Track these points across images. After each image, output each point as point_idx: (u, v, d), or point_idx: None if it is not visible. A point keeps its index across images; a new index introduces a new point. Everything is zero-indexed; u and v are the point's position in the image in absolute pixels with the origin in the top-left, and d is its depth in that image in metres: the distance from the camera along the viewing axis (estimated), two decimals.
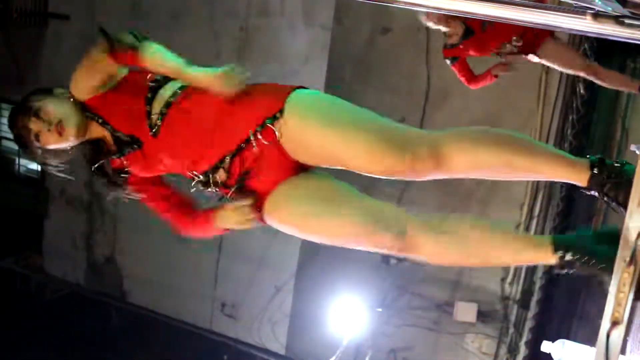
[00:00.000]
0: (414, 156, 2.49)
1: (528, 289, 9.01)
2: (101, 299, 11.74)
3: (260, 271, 10.39)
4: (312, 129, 2.58)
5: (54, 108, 2.79)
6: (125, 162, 2.86)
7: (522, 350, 9.12)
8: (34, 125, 2.78)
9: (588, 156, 2.50)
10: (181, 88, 2.79)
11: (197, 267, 10.90)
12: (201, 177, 2.75)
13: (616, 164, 2.44)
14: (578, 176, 2.46)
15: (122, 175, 2.89)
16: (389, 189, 8.66)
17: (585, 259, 2.41)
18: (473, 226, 2.61)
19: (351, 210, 2.62)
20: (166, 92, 2.78)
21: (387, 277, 9.48)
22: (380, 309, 9.52)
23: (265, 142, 2.60)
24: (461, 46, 5.70)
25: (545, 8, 1.88)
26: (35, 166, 12.67)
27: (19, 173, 12.96)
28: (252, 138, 2.61)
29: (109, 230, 11.86)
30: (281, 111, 2.59)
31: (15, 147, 12.44)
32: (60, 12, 11.36)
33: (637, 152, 2.32)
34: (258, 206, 2.71)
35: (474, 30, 5.66)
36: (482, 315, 9.36)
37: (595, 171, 2.43)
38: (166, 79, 2.81)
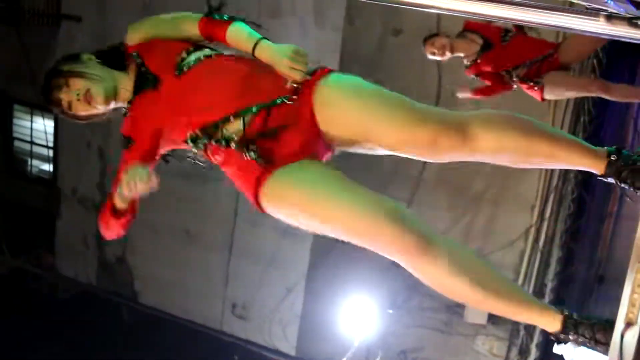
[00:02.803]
0: (443, 129, 2.50)
1: (539, 291, 8.98)
2: (112, 299, 11.79)
3: (270, 272, 10.41)
4: (349, 96, 2.62)
5: (81, 78, 2.85)
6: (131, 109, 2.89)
7: (533, 352, 9.11)
8: (65, 96, 2.85)
9: (606, 147, 2.52)
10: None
11: (208, 267, 10.93)
12: (202, 131, 2.68)
13: (633, 155, 2.46)
14: (595, 164, 2.48)
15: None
16: (400, 191, 8.68)
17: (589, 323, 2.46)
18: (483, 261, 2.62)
19: (371, 202, 2.49)
20: (209, 49, 2.87)
21: (397, 278, 9.43)
22: (391, 310, 9.53)
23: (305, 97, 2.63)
24: (479, 61, 5.66)
25: (560, 10, 1.89)
26: (47, 166, 12.76)
27: (31, 173, 13.05)
28: (289, 96, 2.63)
29: None
30: (325, 75, 2.66)
31: (28, 147, 12.42)
32: (72, 13, 11.43)
33: None
34: (268, 170, 2.60)
35: (494, 43, 5.62)
36: (493, 317, 9.32)
37: (613, 158, 2.45)
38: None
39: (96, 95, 2.83)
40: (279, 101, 2.61)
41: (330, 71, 2.73)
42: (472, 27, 5.73)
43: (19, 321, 11.63)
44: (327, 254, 9.43)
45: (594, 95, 6.08)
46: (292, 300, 10.54)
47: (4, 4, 11.16)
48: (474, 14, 2.03)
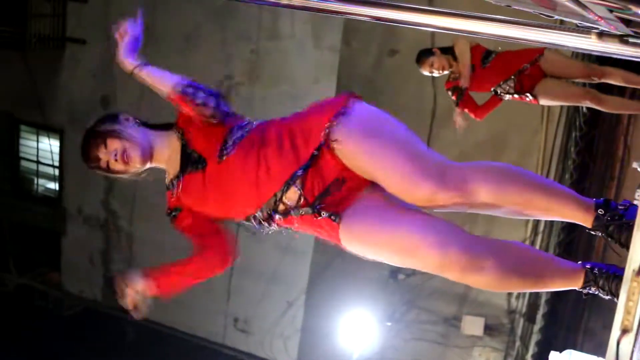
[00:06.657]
0: (441, 186, 2.54)
1: (534, 303, 9.08)
2: (117, 315, 11.85)
3: (272, 287, 10.52)
4: (361, 143, 2.64)
5: (118, 139, 2.86)
6: (180, 186, 2.91)
7: None
8: (104, 156, 2.86)
9: (594, 199, 2.58)
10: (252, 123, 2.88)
11: (210, 283, 10.89)
12: (264, 211, 2.76)
13: (620, 207, 2.53)
14: (585, 217, 2.55)
15: (174, 213, 2.99)
16: None
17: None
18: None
19: (421, 222, 2.61)
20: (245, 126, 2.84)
21: (395, 292, 9.61)
22: (389, 323, 9.66)
23: (334, 142, 2.64)
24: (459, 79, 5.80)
25: (553, 27, 1.98)
26: (53, 186, 12.92)
27: (37, 192, 13.22)
28: (322, 142, 2.65)
29: (125, 247, 12.07)
30: (345, 108, 2.69)
31: (34, 167, 12.56)
32: (77, 36, 11.62)
33: (639, 169, 2.30)
34: (337, 213, 2.69)
35: (474, 66, 5.77)
36: (489, 329, 9.46)
37: (600, 212, 2.51)
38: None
39: (133, 155, 2.85)
40: (315, 153, 2.66)
41: (354, 102, 2.75)
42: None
43: (25, 338, 11.76)
44: (326, 269, 9.56)
45: (586, 105, 6.15)
46: (293, 315, 10.66)
47: (11, 30, 11.33)
48: (469, 32, 2.08)
